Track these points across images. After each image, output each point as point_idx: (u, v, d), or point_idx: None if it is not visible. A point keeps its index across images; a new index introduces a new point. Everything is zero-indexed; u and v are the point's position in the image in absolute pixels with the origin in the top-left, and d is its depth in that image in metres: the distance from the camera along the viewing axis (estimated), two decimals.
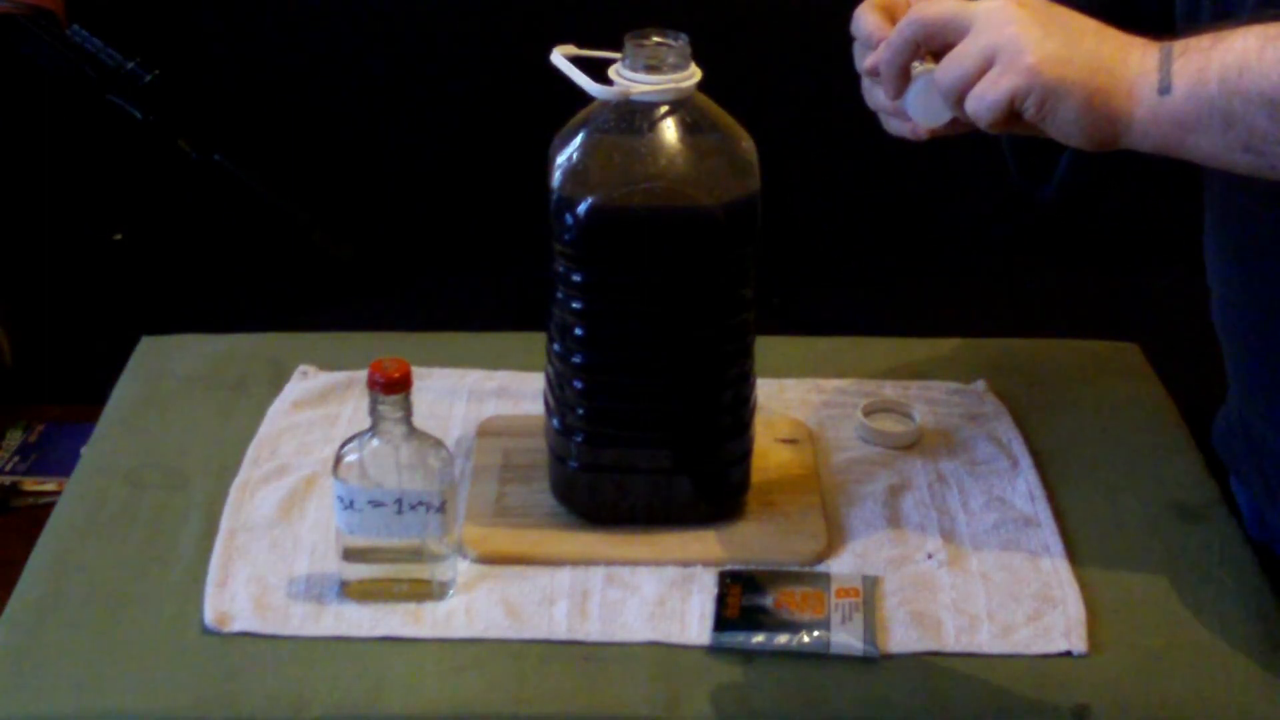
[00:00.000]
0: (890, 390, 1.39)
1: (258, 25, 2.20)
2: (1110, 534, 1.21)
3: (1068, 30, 0.93)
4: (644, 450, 1.17)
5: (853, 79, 1.07)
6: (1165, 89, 0.91)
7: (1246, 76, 0.88)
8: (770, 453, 1.27)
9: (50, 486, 2.16)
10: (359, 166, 2.27)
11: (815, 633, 1.09)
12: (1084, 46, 0.93)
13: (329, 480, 1.11)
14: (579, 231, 1.10)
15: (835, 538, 1.19)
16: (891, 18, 1.02)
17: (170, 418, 1.35)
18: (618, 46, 1.11)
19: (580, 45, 1.14)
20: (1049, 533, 1.20)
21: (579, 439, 1.17)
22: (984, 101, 0.93)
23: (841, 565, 1.17)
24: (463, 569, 1.14)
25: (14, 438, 2.27)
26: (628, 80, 1.10)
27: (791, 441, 1.30)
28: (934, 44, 0.97)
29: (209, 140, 2.02)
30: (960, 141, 1.05)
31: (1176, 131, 0.92)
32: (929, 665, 1.08)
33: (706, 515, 1.19)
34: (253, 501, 1.23)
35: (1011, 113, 0.93)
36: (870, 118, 1.06)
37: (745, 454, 1.20)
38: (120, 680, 1.05)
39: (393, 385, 1.05)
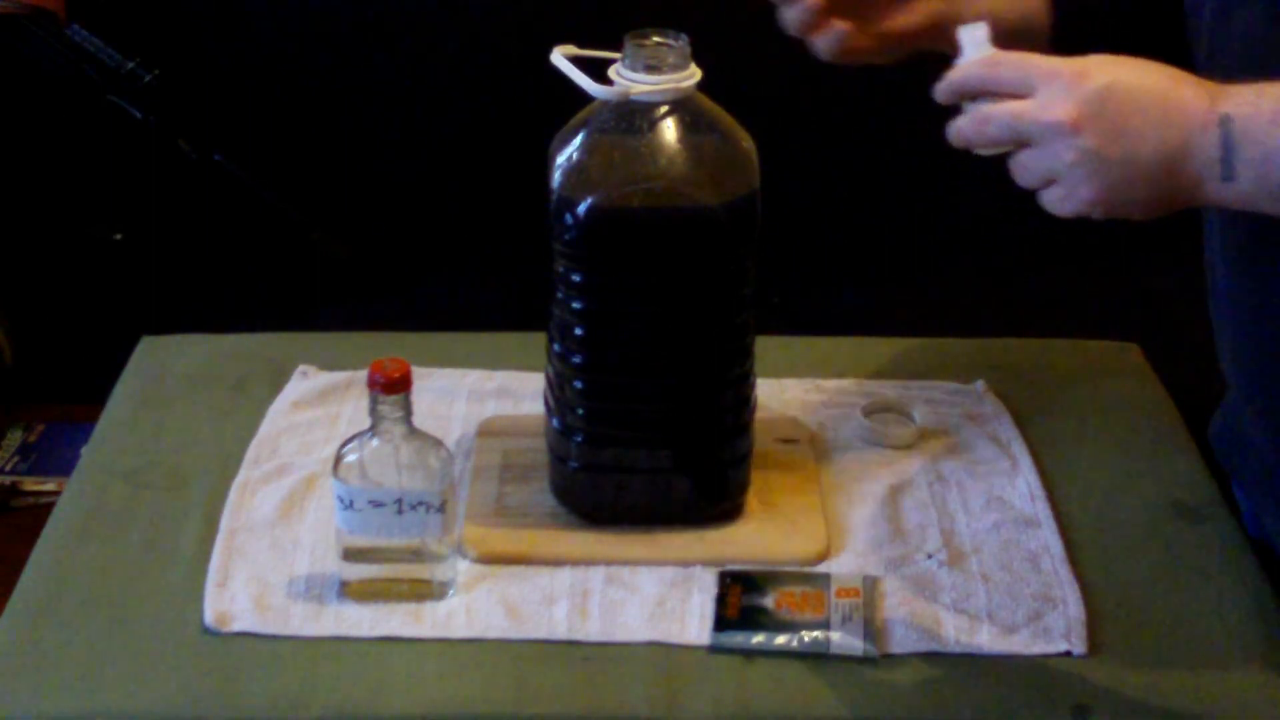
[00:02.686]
0: (890, 390, 1.39)
1: (258, 25, 2.20)
2: (1110, 534, 1.21)
3: (1126, 141, 0.92)
4: (644, 450, 1.17)
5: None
6: (1229, 177, 0.92)
7: None
8: (770, 453, 1.27)
9: (50, 486, 2.16)
10: (359, 166, 2.27)
11: (815, 633, 1.09)
12: (1144, 154, 0.92)
13: (329, 480, 1.11)
14: (579, 231, 1.10)
15: (835, 538, 1.19)
16: None
17: (170, 418, 1.35)
18: (618, 46, 1.11)
19: (580, 45, 1.14)
20: (1049, 533, 1.20)
21: (579, 439, 1.17)
22: (1052, 210, 0.96)
23: (841, 565, 1.17)
24: (463, 569, 1.14)
25: (14, 438, 2.27)
26: (628, 80, 1.10)
27: (791, 441, 1.30)
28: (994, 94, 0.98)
29: (209, 140, 2.02)
30: None
31: (1239, 205, 0.94)
32: (929, 665, 1.08)
33: (706, 515, 1.19)
34: (253, 501, 1.23)
35: None
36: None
37: (745, 454, 1.20)
38: (120, 680, 1.06)
39: (393, 385, 1.05)
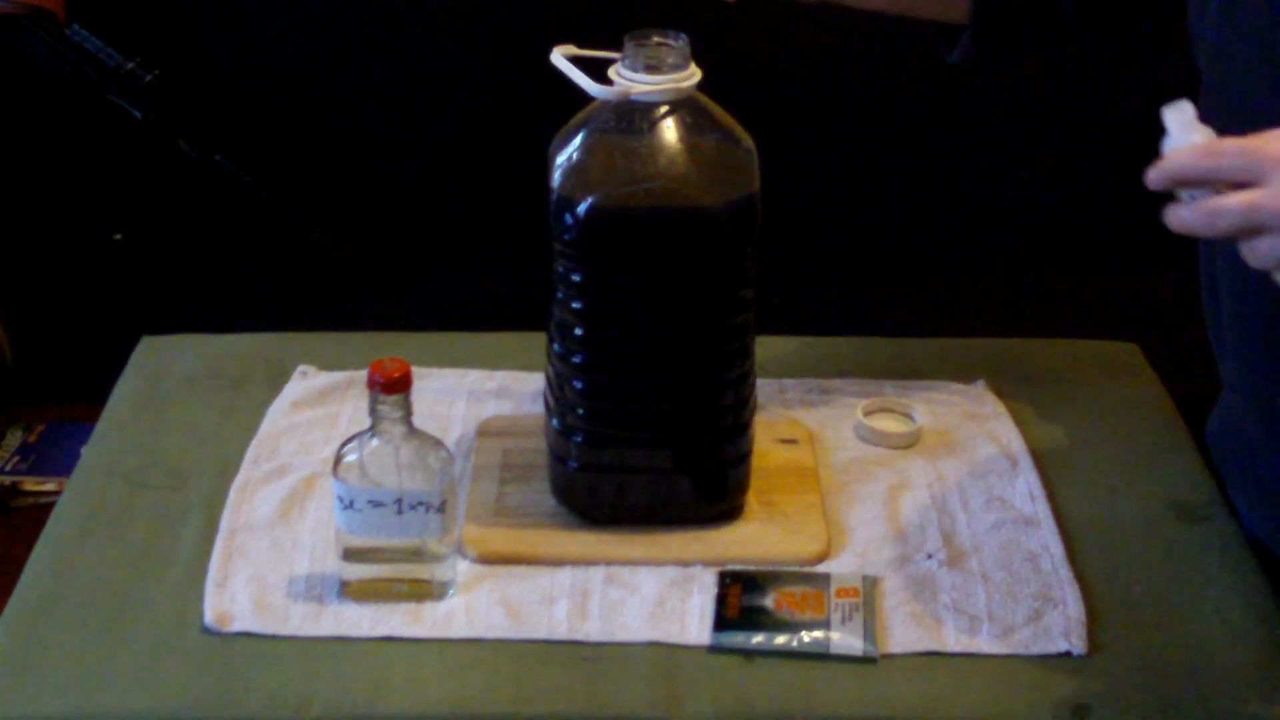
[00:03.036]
0: (890, 390, 1.39)
1: (258, 25, 2.20)
2: (1110, 534, 1.21)
3: None
4: (644, 450, 1.17)
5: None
6: None
7: None
8: (770, 453, 1.27)
9: (50, 486, 2.16)
10: (359, 166, 2.27)
11: (815, 633, 1.09)
12: None
13: (329, 480, 1.11)
14: (579, 231, 1.10)
15: (835, 538, 1.19)
16: None
17: (170, 418, 1.35)
18: (618, 46, 1.11)
19: (580, 45, 1.14)
20: (1049, 533, 1.20)
21: (579, 439, 1.17)
22: None
23: (841, 565, 1.17)
24: (463, 569, 1.14)
25: (14, 438, 2.27)
26: (628, 80, 1.10)
27: (791, 441, 1.30)
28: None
29: (209, 140, 2.02)
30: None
31: None
32: (929, 665, 1.08)
33: (706, 515, 1.19)
34: (253, 501, 1.23)
35: None
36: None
37: (745, 454, 1.20)
38: (120, 680, 1.06)
39: (393, 385, 1.05)
